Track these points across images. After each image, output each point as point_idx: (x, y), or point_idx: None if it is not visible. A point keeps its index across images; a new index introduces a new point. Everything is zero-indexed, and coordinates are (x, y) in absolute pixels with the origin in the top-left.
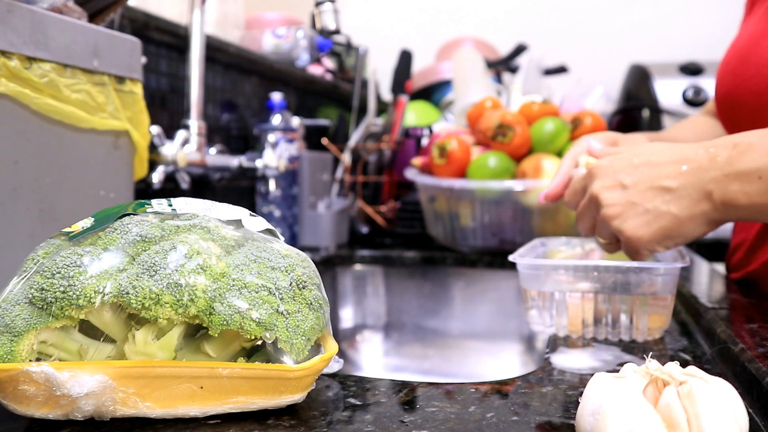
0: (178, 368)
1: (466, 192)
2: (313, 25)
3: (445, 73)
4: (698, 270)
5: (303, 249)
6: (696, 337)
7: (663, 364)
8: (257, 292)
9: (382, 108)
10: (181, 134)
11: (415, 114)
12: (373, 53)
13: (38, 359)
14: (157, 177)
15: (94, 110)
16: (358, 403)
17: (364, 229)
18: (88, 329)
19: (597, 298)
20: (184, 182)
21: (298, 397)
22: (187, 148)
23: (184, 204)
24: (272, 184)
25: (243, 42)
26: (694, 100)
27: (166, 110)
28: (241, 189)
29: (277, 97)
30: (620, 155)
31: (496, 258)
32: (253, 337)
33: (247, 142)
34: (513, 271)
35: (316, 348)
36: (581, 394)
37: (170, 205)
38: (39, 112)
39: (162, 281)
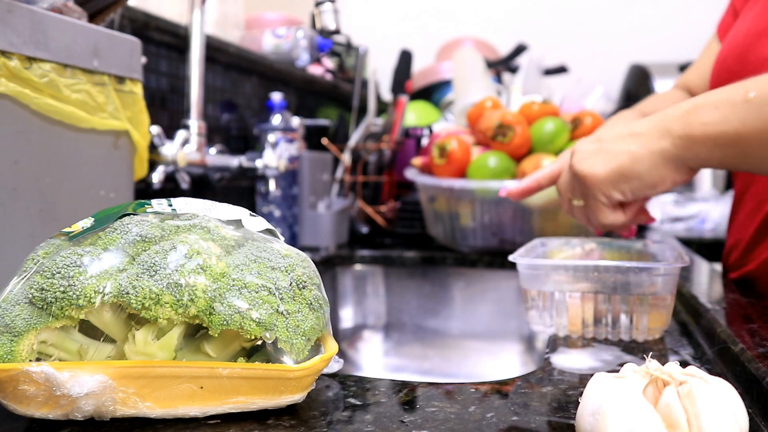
0: (178, 368)
1: (466, 192)
2: (313, 25)
3: (445, 73)
4: (698, 270)
5: (303, 249)
6: (696, 337)
7: (663, 364)
8: (257, 292)
9: (382, 108)
10: (181, 134)
11: (415, 114)
12: (373, 53)
13: (38, 359)
14: (157, 177)
15: (94, 110)
16: (358, 403)
17: (364, 229)
18: (88, 329)
19: (597, 298)
20: (184, 182)
21: (298, 397)
22: (187, 148)
23: (184, 204)
24: (272, 184)
25: (243, 42)
26: None
27: (166, 110)
28: (241, 189)
29: (277, 97)
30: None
31: (496, 258)
32: (253, 337)
33: (247, 142)
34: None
35: (316, 348)
36: (581, 394)
37: (170, 205)
38: (39, 112)
39: (162, 281)
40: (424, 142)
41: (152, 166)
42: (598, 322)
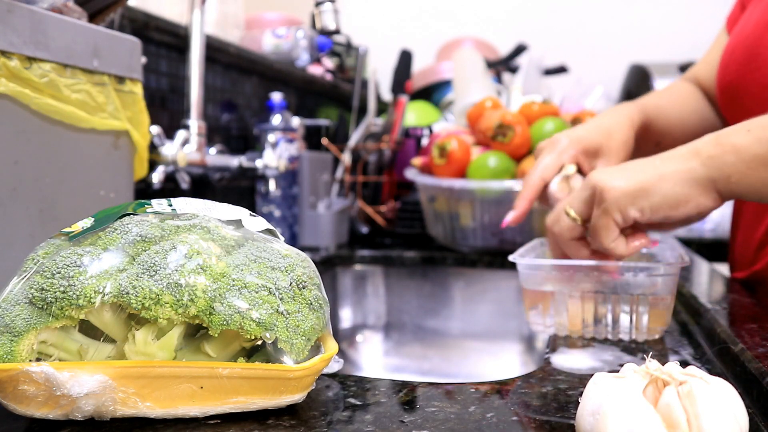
0: (178, 368)
1: (466, 192)
2: (313, 25)
3: (445, 73)
4: (698, 270)
5: (303, 249)
6: (696, 337)
7: (663, 364)
8: (257, 292)
9: (382, 108)
10: (181, 134)
11: (415, 114)
12: (373, 53)
13: (38, 359)
14: (157, 177)
15: (94, 110)
16: (358, 403)
17: (364, 229)
18: (88, 329)
19: (597, 298)
20: (184, 182)
21: (298, 397)
22: (187, 148)
23: (184, 204)
24: (272, 184)
25: (243, 42)
26: None
27: (166, 110)
28: (241, 189)
29: (277, 97)
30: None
31: (496, 258)
32: (253, 337)
33: (247, 142)
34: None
35: (316, 348)
36: (581, 394)
37: (170, 205)
38: (39, 112)
39: (162, 281)
40: (424, 142)
41: (152, 166)
42: (598, 322)
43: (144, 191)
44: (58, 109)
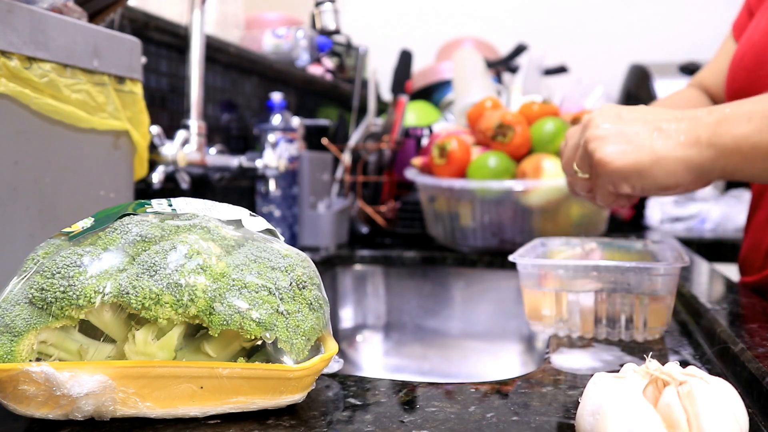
0: (178, 368)
1: (466, 192)
2: (313, 25)
3: (445, 73)
4: (698, 270)
5: (303, 249)
6: (696, 337)
7: (663, 364)
8: (257, 292)
9: (382, 108)
10: (181, 134)
11: (415, 114)
12: (373, 53)
13: (38, 359)
14: (157, 177)
15: (94, 110)
16: (358, 403)
17: (364, 229)
18: (88, 329)
19: (597, 297)
20: (184, 182)
21: (298, 397)
22: (187, 148)
23: (184, 204)
24: (272, 184)
25: (243, 42)
26: None
27: (166, 110)
28: (241, 189)
29: (277, 97)
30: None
31: (496, 258)
32: (253, 337)
33: (247, 142)
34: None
35: (316, 348)
36: (581, 394)
37: (170, 205)
38: (39, 112)
39: (162, 281)
40: (424, 142)
41: (152, 166)
42: (598, 322)
43: (144, 191)
44: (58, 109)
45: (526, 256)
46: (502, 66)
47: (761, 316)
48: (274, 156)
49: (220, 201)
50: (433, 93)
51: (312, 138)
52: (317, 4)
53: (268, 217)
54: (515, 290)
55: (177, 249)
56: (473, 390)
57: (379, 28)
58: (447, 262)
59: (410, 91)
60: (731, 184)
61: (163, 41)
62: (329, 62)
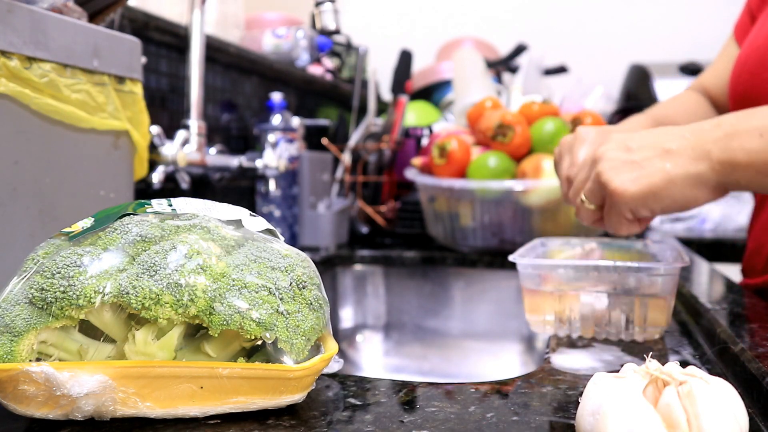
0: (178, 368)
1: (466, 192)
2: (313, 25)
3: (445, 73)
4: (698, 270)
5: (303, 249)
6: (696, 337)
7: (663, 364)
8: (257, 292)
9: (382, 108)
10: (181, 134)
11: (415, 114)
12: (373, 53)
13: (38, 359)
14: (157, 177)
15: (94, 110)
16: (358, 403)
17: (364, 229)
18: (88, 329)
19: (597, 298)
20: (184, 182)
21: (298, 397)
22: (187, 148)
23: (184, 204)
24: (272, 184)
25: (243, 42)
26: None
27: (166, 110)
28: (241, 189)
29: (277, 97)
30: (629, 134)
31: (496, 258)
32: (253, 337)
33: (247, 142)
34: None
35: (316, 348)
36: (581, 394)
37: (170, 205)
38: (39, 112)
39: (162, 281)
40: (424, 142)
41: (152, 166)
42: (598, 322)
43: (144, 191)
44: (58, 109)
45: (526, 256)
46: (502, 66)
47: (761, 316)
48: (274, 156)
49: (220, 201)
50: (433, 93)
51: (312, 138)
52: (317, 4)
53: (268, 217)
54: (515, 290)
55: (177, 249)
56: (473, 390)
57: (379, 28)
58: (447, 262)
59: (410, 91)
60: None
61: (163, 41)
62: (329, 62)
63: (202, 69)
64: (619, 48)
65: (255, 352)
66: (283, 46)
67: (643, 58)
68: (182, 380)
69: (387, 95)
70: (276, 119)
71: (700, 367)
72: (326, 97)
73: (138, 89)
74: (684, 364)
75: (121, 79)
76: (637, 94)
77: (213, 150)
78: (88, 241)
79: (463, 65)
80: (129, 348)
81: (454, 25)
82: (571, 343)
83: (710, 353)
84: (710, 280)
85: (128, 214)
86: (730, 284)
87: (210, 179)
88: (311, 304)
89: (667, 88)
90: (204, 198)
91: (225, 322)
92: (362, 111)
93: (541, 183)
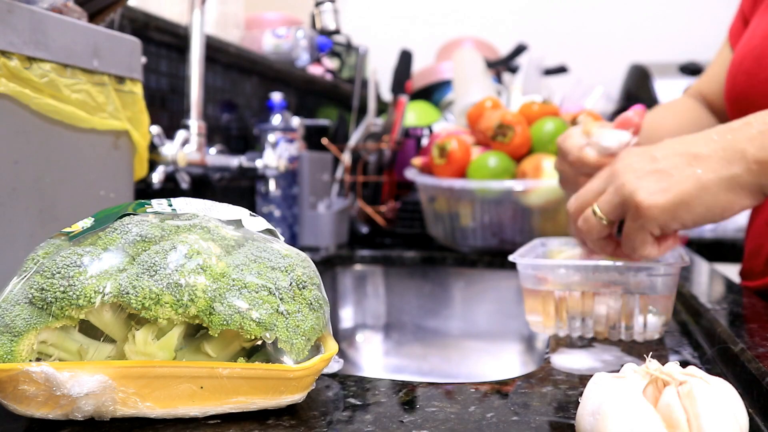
0: (178, 368)
1: (466, 192)
2: (313, 25)
3: (445, 73)
4: (698, 270)
5: (303, 249)
6: (696, 337)
7: (663, 364)
8: (257, 292)
9: (382, 108)
10: (181, 134)
11: (415, 114)
12: (373, 53)
13: (38, 359)
14: (157, 177)
15: (94, 110)
16: (358, 403)
17: (364, 229)
18: (88, 329)
19: (597, 298)
20: (184, 182)
21: (298, 397)
22: (187, 148)
23: (184, 204)
24: (272, 184)
25: (243, 42)
26: None
27: (166, 110)
28: (241, 189)
29: (277, 97)
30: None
31: (496, 258)
32: (253, 337)
33: (247, 142)
34: (513, 271)
35: (316, 348)
36: (581, 394)
37: (170, 205)
38: (39, 112)
39: (162, 281)
40: (424, 142)
41: (152, 166)
42: (598, 322)
43: (144, 191)
44: (58, 109)
45: (526, 256)
46: (502, 66)
47: (761, 316)
48: (274, 156)
49: (220, 201)
50: (433, 93)
51: (312, 138)
52: (317, 4)
53: (268, 217)
54: (515, 290)
55: (177, 249)
56: (473, 390)
57: (379, 28)
58: (447, 262)
59: (410, 91)
60: None
61: (163, 41)
62: (329, 62)
63: (202, 69)
64: (619, 48)
65: (255, 352)
66: (283, 46)
67: (643, 58)
68: (182, 380)
69: (387, 95)
70: (276, 119)
71: (700, 367)
72: (326, 97)
73: (138, 89)
74: (684, 364)
75: (121, 79)
76: (637, 94)
77: (213, 150)
78: (88, 241)
79: (463, 65)
80: (129, 348)
81: (454, 25)
82: (571, 343)
83: (710, 353)
84: (710, 280)
85: (128, 214)
86: (730, 284)
87: (210, 179)
88: (311, 304)
89: (667, 88)
90: (204, 198)
91: (225, 322)
92: (362, 111)
93: (541, 183)
